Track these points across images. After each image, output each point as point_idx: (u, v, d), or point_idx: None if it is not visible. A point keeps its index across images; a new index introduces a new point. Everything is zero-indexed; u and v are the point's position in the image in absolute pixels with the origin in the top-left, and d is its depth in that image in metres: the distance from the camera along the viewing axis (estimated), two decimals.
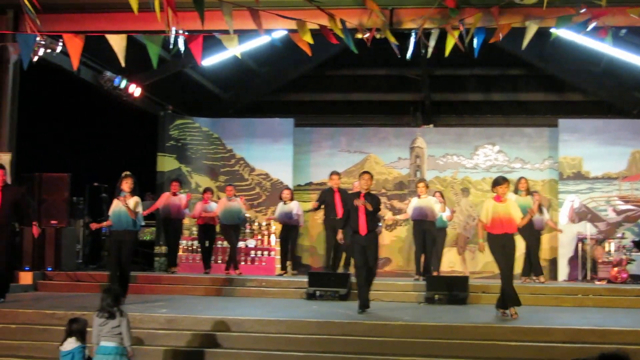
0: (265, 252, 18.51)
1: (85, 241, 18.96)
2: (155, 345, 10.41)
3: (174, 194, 17.09)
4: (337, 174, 16.78)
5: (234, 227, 17.51)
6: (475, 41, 12.35)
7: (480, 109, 22.83)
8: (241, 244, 18.32)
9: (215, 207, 17.47)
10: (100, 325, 8.28)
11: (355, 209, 12.37)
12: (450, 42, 12.15)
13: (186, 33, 11.61)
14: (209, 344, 10.46)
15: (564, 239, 19.17)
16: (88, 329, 8.50)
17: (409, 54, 13.26)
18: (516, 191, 15.96)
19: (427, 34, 12.58)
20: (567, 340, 10.26)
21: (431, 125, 22.03)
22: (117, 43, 11.54)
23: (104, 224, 13.78)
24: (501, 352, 10.05)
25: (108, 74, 17.43)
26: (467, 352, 10.08)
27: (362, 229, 12.32)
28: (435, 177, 20.86)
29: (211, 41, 12.77)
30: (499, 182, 12.19)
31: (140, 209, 12.84)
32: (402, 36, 13.15)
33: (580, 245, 18.47)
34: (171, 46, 11.62)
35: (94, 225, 13.90)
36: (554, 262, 19.71)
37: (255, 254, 18.49)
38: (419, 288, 14.77)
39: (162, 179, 20.40)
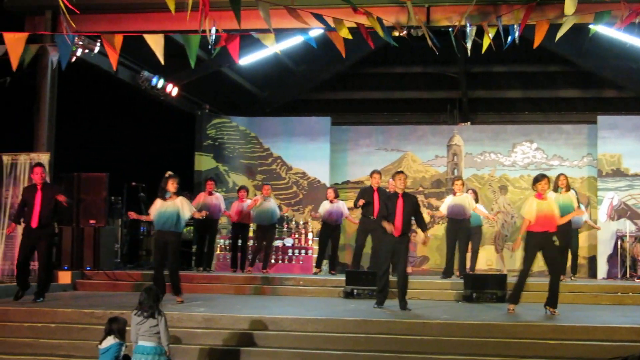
0: (303, 251, 18.51)
1: (123, 240, 19.08)
2: (193, 344, 10.43)
3: (210, 193, 17.00)
4: (378, 172, 16.68)
5: (269, 227, 17.33)
6: (509, 38, 12.30)
7: (518, 106, 22.70)
8: (278, 243, 18.30)
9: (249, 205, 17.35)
10: (138, 324, 8.32)
11: (393, 208, 12.33)
12: (487, 40, 12.10)
13: (223, 32, 11.63)
14: (247, 342, 10.47)
15: (603, 236, 19.01)
16: (127, 328, 8.55)
17: (454, 50, 13.20)
18: (556, 189, 15.82)
19: (463, 31, 12.54)
20: (607, 339, 10.17)
21: (468, 123, 21.93)
22: (155, 43, 11.62)
23: (144, 217, 13.86)
24: (540, 351, 9.98)
25: (145, 73, 17.55)
26: (505, 350, 10.02)
27: (397, 229, 12.26)
28: (473, 174, 20.78)
29: (248, 40, 12.79)
30: (538, 179, 12.10)
31: (190, 210, 12.86)
32: (439, 34, 13.10)
33: (619, 242, 18.28)
34: (210, 46, 11.64)
35: (132, 215, 13.88)
36: (593, 260, 19.55)
37: (293, 253, 18.50)
38: (456, 286, 14.70)
39: (199, 178, 20.47)
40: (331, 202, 17.20)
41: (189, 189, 20.63)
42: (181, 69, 17.85)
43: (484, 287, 14.14)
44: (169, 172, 12.90)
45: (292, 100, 23.14)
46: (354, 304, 13.27)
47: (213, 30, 11.10)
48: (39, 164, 13.11)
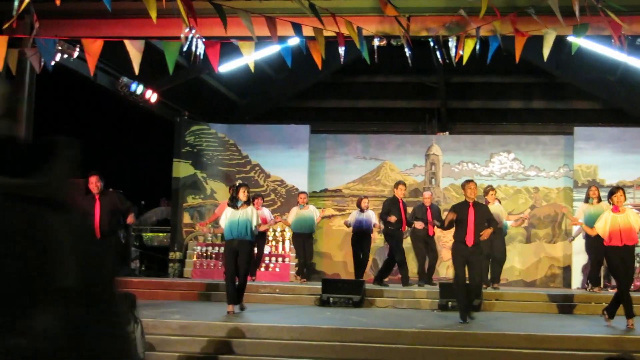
0: (280, 259, 18.55)
1: None
2: (168, 352, 10.45)
3: None
4: (404, 184, 16.84)
5: (307, 235, 17.48)
6: (490, 49, 12.36)
7: (496, 116, 22.81)
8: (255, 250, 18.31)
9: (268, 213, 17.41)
10: None
11: (465, 218, 12.24)
12: (468, 50, 12.16)
13: (204, 39, 11.65)
14: (223, 350, 10.49)
15: (578, 247, 19.13)
16: None
17: (434, 60, 13.26)
18: (587, 199, 16.01)
19: (444, 41, 12.60)
20: (581, 348, 10.26)
21: (447, 133, 22.03)
22: (134, 49, 11.62)
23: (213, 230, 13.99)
24: None
25: (124, 79, 17.51)
26: (479, 359, 10.08)
27: (470, 239, 12.16)
28: (451, 184, 20.85)
29: (228, 47, 12.83)
30: (613, 191, 12.06)
31: (258, 219, 12.88)
32: (419, 43, 13.16)
33: None
34: (195, 50, 11.64)
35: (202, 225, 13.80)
36: (567, 270, 19.67)
37: (270, 260, 18.52)
38: (433, 295, 14.76)
39: (177, 185, 20.45)
40: (362, 211, 17.39)
41: (166, 195, 20.63)
42: (161, 76, 17.83)
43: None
44: (239, 181, 12.91)
45: (271, 108, 23.15)
46: (329, 312, 13.31)
47: (190, 37, 11.12)
48: (94, 173, 13.01)
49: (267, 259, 18.50)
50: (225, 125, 21.54)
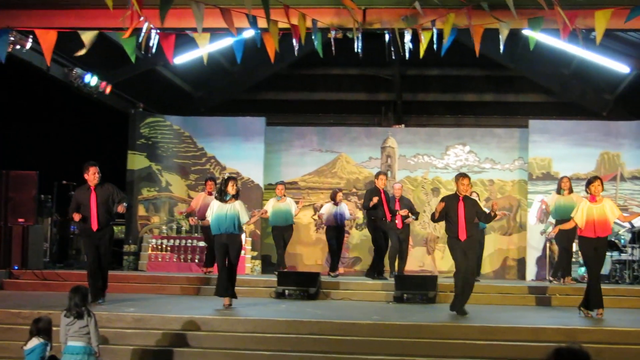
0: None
1: (52, 240, 18.84)
2: (123, 345, 10.37)
3: (209, 194, 16.51)
4: (385, 174, 16.83)
5: (285, 228, 17.39)
6: (445, 42, 12.37)
7: (452, 109, 22.90)
8: (202, 244, 18.25)
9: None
10: (68, 325, 8.25)
11: (455, 213, 12.14)
12: (424, 43, 12.17)
13: (158, 30, 11.54)
14: (178, 343, 10.43)
15: (532, 239, 19.29)
16: (55, 328, 8.46)
17: (389, 53, 13.24)
18: (559, 191, 16.09)
19: (400, 34, 12.58)
20: (534, 339, 10.34)
21: (402, 125, 22.07)
22: (89, 40, 11.51)
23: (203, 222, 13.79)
24: (468, 351, 10.10)
25: (78, 71, 17.31)
26: (434, 351, 10.12)
27: (462, 234, 12.09)
28: (406, 176, 20.90)
29: (183, 39, 12.73)
30: (590, 181, 12.08)
31: (246, 216, 12.68)
32: (375, 36, 13.15)
33: (548, 245, 18.56)
34: (138, 44, 11.53)
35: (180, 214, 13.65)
36: (522, 262, 19.83)
37: None
38: (388, 287, 14.80)
39: (132, 177, 20.30)
40: (336, 204, 17.48)
41: (121, 188, 20.44)
42: (115, 67, 17.68)
43: (415, 288, 14.25)
44: (228, 174, 12.76)
45: (227, 100, 23.04)
46: (285, 305, 13.30)
47: (144, 28, 11.03)
48: (94, 164, 12.89)
49: None
50: (181, 117, 21.40)
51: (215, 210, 12.53)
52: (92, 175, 12.68)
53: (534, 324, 11.06)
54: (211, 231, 12.83)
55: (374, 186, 16.84)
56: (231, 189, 12.52)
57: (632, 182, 19.76)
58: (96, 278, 12.58)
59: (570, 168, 19.56)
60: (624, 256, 16.87)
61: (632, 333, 10.50)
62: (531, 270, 19.27)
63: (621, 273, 16.67)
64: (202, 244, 18.20)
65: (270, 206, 17.31)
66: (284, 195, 17.51)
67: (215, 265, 14.46)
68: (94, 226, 12.55)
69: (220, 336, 10.60)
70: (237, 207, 12.51)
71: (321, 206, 18.71)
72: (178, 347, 10.33)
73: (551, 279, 16.48)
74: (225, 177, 12.83)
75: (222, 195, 12.58)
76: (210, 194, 16.54)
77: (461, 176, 12.43)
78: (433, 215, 12.67)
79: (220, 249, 12.55)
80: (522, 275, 19.59)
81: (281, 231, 17.31)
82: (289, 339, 10.46)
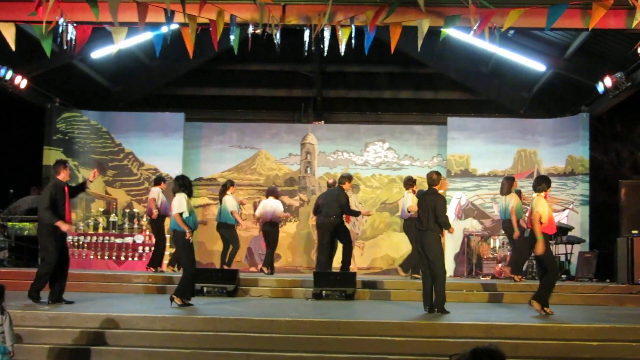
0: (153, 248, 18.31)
1: None
2: (38, 344, 10.16)
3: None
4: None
5: (225, 225, 17.02)
6: (365, 39, 12.41)
7: (371, 106, 23.02)
8: (129, 240, 18.09)
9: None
10: None
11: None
12: (343, 40, 12.20)
13: (75, 24, 11.37)
14: (95, 341, 10.26)
15: (450, 235, 19.43)
16: None
17: (309, 49, 13.24)
18: (519, 193, 16.24)
19: (321, 30, 12.60)
20: (451, 335, 10.41)
21: (322, 122, 22.13)
22: (8, 32, 11.30)
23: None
24: (387, 348, 10.13)
25: None
26: (353, 347, 10.13)
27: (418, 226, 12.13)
28: (326, 173, 20.96)
29: (100, 33, 12.57)
30: (548, 180, 12.19)
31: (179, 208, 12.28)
32: (295, 32, 13.15)
33: (466, 241, 18.78)
34: (59, 39, 11.35)
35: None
36: None
37: (143, 250, 18.26)
38: (306, 284, 14.81)
39: (48, 173, 19.94)
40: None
41: (36, 184, 20.10)
42: (30, 61, 17.36)
43: (333, 285, 14.27)
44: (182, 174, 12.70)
45: (145, 95, 22.80)
46: (203, 302, 13.20)
47: (61, 22, 10.86)
48: (66, 161, 12.74)
49: (140, 248, 18.24)
50: (98, 112, 21.15)
51: (190, 207, 12.26)
52: (67, 174, 12.49)
53: (451, 320, 11.15)
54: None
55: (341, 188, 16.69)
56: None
57: None
58: (62, 277, 12.36)
59: (488, 165, 19.87)
60: None
61: (547, 329, 10.65)
62: (449, 267, 19.40)
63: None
64: (119, 240, 18.04)
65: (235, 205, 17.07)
66: (231, 194, 17.17)
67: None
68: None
69: (137, 334, 10.46)
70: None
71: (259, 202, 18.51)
72: (94, 345, 10.16)
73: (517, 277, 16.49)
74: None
75: (191, 192, 12.45)
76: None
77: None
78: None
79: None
80: None
81: (223, 229, 17.06)
82: (206, 336, 10.37)
